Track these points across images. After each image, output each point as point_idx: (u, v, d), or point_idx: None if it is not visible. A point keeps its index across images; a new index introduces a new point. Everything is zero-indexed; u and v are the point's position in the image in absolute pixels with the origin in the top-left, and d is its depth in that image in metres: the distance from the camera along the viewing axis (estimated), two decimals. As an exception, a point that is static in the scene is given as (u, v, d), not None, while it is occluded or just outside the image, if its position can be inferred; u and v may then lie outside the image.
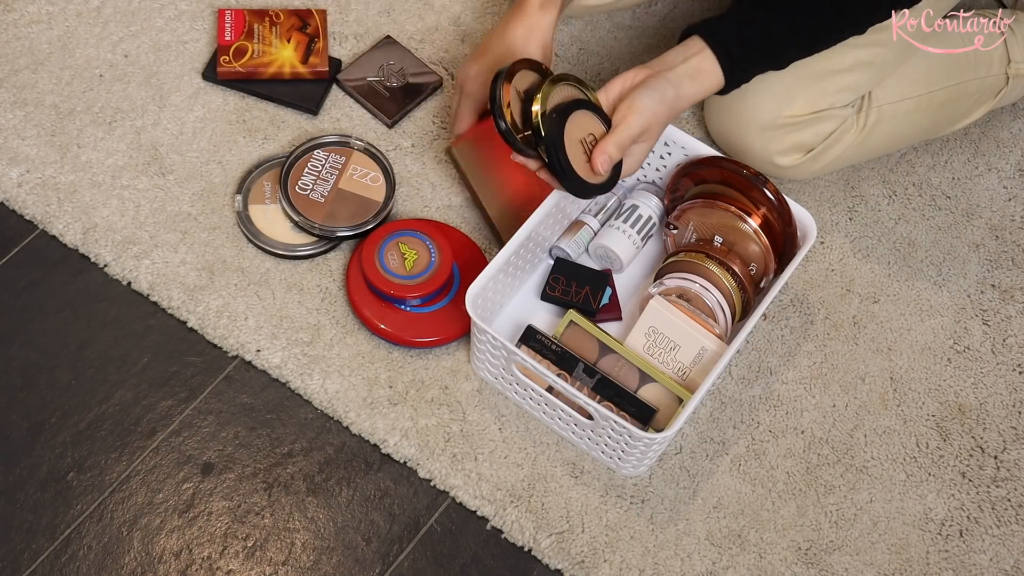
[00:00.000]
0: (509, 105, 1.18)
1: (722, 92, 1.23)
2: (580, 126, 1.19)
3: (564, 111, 1.17)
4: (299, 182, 1.34)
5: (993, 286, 1.40)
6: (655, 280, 1.29)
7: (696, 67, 1.20)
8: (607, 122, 1.19)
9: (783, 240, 1.26)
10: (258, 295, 1.30)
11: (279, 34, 1.44)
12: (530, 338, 1.24)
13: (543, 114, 1.16)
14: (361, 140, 1.38)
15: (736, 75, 1.21)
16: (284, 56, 1.43)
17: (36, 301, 1.29)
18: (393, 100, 1.43)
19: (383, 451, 1.23)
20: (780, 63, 1.26)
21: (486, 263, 1.23)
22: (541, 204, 1.24)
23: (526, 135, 1.18)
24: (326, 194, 1.34)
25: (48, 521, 1.17)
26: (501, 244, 1.33)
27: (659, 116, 1.19)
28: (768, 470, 1.26)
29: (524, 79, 1.21)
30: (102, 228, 1.32)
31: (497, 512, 1.21)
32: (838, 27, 1.24)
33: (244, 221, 1.33)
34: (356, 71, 1.45)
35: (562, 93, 1.21)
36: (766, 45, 1.22)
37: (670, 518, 1.22)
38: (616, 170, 1.20)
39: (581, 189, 1.17)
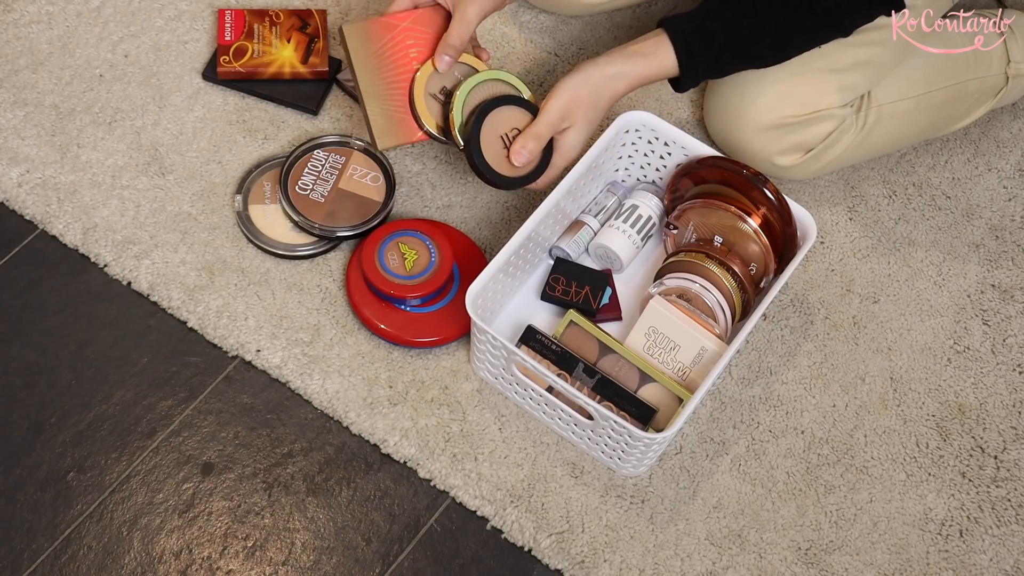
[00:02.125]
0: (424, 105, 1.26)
1: (682, 84, 1.26)
2: (503, 121, 1.25)
3: (483, 110, 1.23)
4: (299, 182, 1.34)
5: (993, 286, 1.40)
6: (655, 280, 1.29)
7: (644, 51, 1.23)
8: (536, 114, 1.25)
9: (783, 240, 1.26)
10: (258, 295, 1.30)
11: (279, 34, 1.44)
12: (530, 338, 1.24)
13: (460, 119, 1.24)
14: (361, 140, 1.38)
15: (695, 66, 1.24)
16: (284, 56, 1.43)
17: (36, 301, 1.29)
18: (393, 100, 1.43)
19: (383, 451, 1.23)
20: (751, 59, 1.27)
21: (486, 263, 1.23)
22: (541, 204, 1.24)
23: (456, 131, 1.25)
24: (326, 194, 1.34)
25: (48, 521, 1.17)
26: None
27: (580, 98, 1.22)
28: (768, 470, 1.26)
29: (445, 78, 1.26)
30: (102, 228, 1.32)
31: (497, 512, 1.21)
32: (811, 26, 1.24)
33: (244, 221, 1.33)
34: (356, 71, 1.45)
35: (486, 91, 1.26)
36: (731, 40, 1.23)
37: (670, 518, 1.22)
38: (544, 158, 1.25)
39: (503, 183, 1.25)
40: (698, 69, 1.25)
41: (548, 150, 1.26)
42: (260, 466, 1.22)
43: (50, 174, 1.35)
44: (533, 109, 1.26)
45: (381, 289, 1.26)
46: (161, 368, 1.26)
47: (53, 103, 1.40)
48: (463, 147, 1.24)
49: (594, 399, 1.20)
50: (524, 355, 1.16)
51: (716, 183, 1.28)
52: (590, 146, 1.29)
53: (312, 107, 1.42)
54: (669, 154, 1.33)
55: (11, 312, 1.28)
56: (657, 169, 1.36)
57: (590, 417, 1.17)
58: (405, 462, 1.23)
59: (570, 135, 1.24)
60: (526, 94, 1.29)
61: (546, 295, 1.31)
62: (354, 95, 1.43)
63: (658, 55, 1.23)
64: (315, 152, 1.36)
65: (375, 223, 1.33)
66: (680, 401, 1.23)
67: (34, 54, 1.43)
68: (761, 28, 1.23)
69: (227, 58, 1.41)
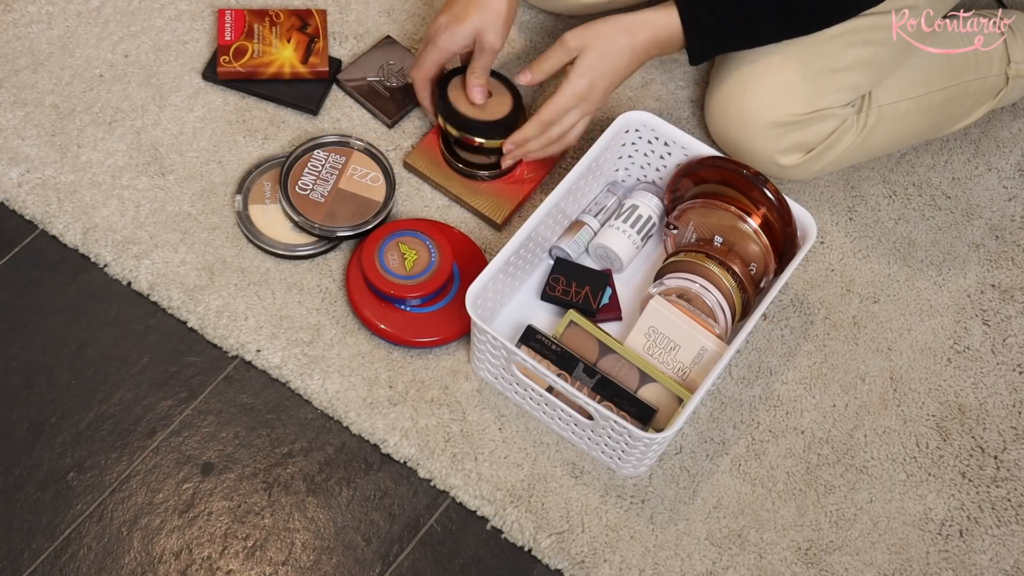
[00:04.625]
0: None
1: (691, 49, 1.27)
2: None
3: (451, 73, 1.34)
4: (299, 182, 1.34)
5: (993, 286, 1.40)
6: (655, 280, 1.29)
7: (655, 10, 1.26)
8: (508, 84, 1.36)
9: (783, 240, 1.26)
10: (258, 295, 1.30)
11: (279, 34, 1.44)
12: (530, 338, 1.24)
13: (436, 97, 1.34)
14: (361, 140, 1.38)
15: (698, 25, 1.25)
16: (284, 56, 1.43)
17: (36, 301, 1.29)
18: (393, 100, 1.43)
19: (383, 451, 1.23)
20: (757, 21, 1.26)
21: (486, 263, 1.23)
22: (541, 204, 1.24)
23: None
24: (326, 194, 1.34)
25: (48, 521, 1.17)
26: (499, 225, 1.36)
27: (594, 28, 1.26)
28: (768, 470, 1.26)
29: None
30: (102, 228, 1.32)
31: (497, 512, 1.21)
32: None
33: (244, 221, 1.33)
34: (356, 71, 1.45)
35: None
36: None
37: (670, 518, 1.22)
38: (514, 111, 1.33)
39: (474, 127, 1.32)
40: (702, 28, 1.25)
41: (518, 106, 1.34)
42: (260, 466, 1.22)
43: (50, 174, 1.35)
44: (505, 80, 1.37)
45: (381, 289, 1.26)
46: (161, 368, 1.26)
47: (53, 103, 1.40)
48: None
49: (594, 399, 1.20)
50: (524, 355, 1.16)
51: (716, 183, 1.28)
52: (596, 132, 1.29)
53: (312, 107, 1.42)
54: (669, 154, 1.33)
55: (11, 312, 1.28)
56: (657, 169, 1.36)
57: (590, 417, 1.17)
58: (405, 462, 1.23)
59: (583, 58, 1.25)
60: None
61: (546, 295, 1.31)
62: (355, 95, 1.43)
63: (666, 11, 1.25)
64: (315, 152, 1.36)
65: (375, 223, 1.33)
66: (680, 401, 1.23)
67: (34, 54, 1.43)
68: None
69: (227, 58, 1.41)
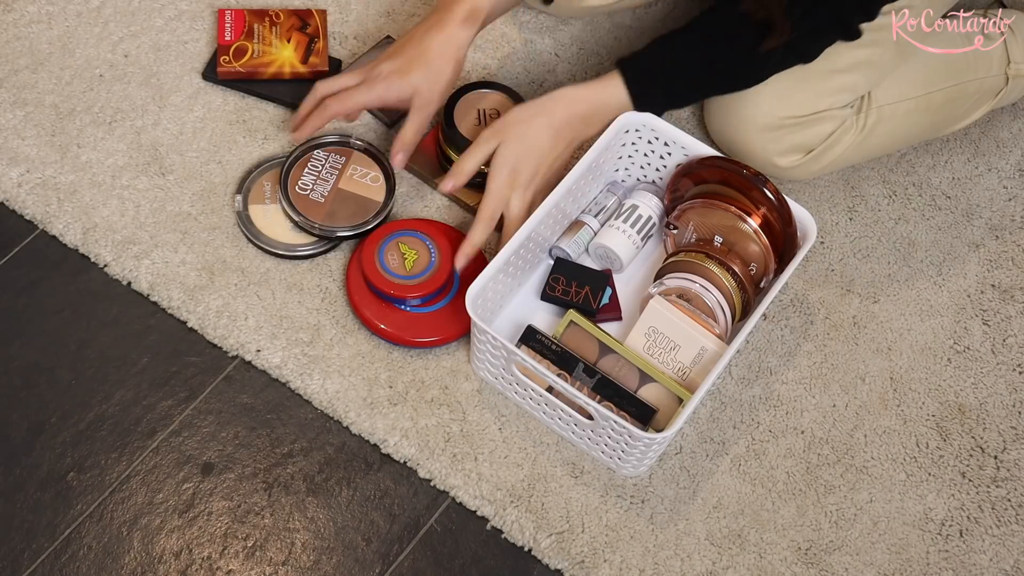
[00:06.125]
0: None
1: (638, 110, 1.28)
2: (480, 100, 1.38)
3: (462, 89, 1.36)
4: (299, 182, 1.34)
5: (993, 286, 1.40)
6: (655, 280, 1.29)
7: (582, 86, 1.28)
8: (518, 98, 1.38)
9: (783, 240, 1.26)
10: (258, 295, 1.30)
11: (279, 34, 1.44)
12: (530, 338, 1.24)
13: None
14: (361, 140, 1.38)
15: (648, 96, 1.27)
16: (284, 56, 1.43)
17: (36, 301, 1.29)
18: (393, 100, 1.43)
19: (383, 451, 1.23)
20: (701, 87, 1.31)
21: (486, 263, 1.23)
22: (541, 204, 1.24)
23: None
24: (326, 194, 1.34)
25: (48, 521, 1.17)
26: (499, 226, 1.34)
27: (512, 116, 1.26)
28: (768, 470, 1.26)
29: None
30: (102, 228, 1.32)
31: (497, 512, 1.21)
32: (759, 63, 1.26)
33: (244, 221, 1.33)
34: (356, 71, 1.45)
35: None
36: (682, 72, 1.27)
37: (670, 518, 1.22)
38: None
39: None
40: (651, 98, 1.28)
41: None
42: (260, 466, 1.22)
43: (50, 174, 1.35)
44: (517, 97, 1.38)
45: (381, 289, 1.27)
46: (161, 368, 1.26)
47: (53, 103, 1.40)
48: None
49: (594, 399, 1.20)
50: (524, 355, 1.16)
51: (716, 183, 1.28)
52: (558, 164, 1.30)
53: (312, 107, 1.42)
54: (669, 154, 1.33)
55: (11, 312, 1.28)
56: (657, 169, 1.36)
57: (590, 417, 1.17)
58: (405, 462, 1.23)
59: (500, 150, 1.25)
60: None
61: (546, 295, 1.31)
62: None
63: (606, 83, 1.27)
64: (315, 152, 1.36)
65: (375, 223, 1.33)
66: (680, 401, 1.23)
67: (34, 54, 1.43)
68: (711, 63, 1.26)
69: (227, 58, 1.41)
